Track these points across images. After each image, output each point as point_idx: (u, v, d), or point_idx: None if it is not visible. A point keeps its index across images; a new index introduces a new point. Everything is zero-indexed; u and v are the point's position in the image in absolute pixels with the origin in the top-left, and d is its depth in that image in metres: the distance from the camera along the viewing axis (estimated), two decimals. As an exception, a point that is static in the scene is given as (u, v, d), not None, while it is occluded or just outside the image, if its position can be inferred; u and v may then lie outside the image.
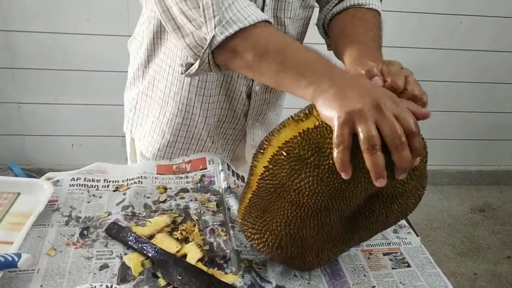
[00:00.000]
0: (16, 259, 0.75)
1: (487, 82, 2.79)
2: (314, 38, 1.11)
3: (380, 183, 0.64)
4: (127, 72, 1.22)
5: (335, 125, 0.64)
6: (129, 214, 0.91)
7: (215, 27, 0.78)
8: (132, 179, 1.01)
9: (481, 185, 3.06)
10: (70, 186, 0.97)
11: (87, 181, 0.99)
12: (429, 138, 3.01)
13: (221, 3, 0.77)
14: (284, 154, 0.69)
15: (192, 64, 0.86)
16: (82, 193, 0.96)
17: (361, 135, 0.63)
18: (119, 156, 2.66)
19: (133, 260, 0.80)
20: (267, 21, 0.80)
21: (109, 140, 2.59)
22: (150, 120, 1.16)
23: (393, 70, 0.75)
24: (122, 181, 1.01)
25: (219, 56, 0.82)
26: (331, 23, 1.07)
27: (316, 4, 1.08)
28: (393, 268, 0.84)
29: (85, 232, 0.86)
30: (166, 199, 0.97)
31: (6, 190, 0.98)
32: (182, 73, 0.88)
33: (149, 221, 0.89)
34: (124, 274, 0.78)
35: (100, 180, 1.00)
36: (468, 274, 2.35)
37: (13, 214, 0.92)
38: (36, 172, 2.50)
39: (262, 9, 0.97)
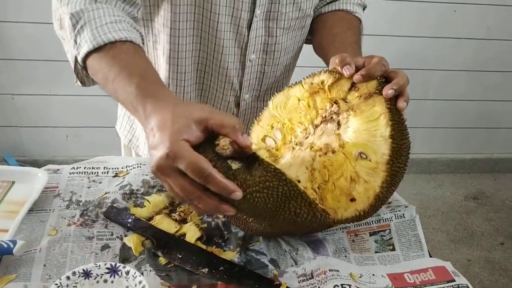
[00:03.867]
0: (12, 245, 0.76)
1: (481, 71, 2.80)
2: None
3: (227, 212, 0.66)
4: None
5: None
6: (127, 192, 0.92)
7: (73, 48, 0.79)
8: (131, 166, 1.02)
9: (475, 173, 3.08)
10: (70, 174, 0.99)
11: (87, 169, 1.01)
12: (424, 127, 3.04)
13: (76, 23, 0.78)
14: None
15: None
16: (82, 179, 0.97)
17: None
18: (114, 147, 2.65)
19: (134, 241, 0.81)
20: (118, 41, 0.77)
21: (104, 131, 2.58)
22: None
23: (374, 61, 0.79)
24: (122, 168, 1.02)
25: (87, 70, 0.81)
26: (317, 20, 1.09)
27: (312, 13, 1.07)
28: (376, 252, 0.85)
29: (85, 211, 0.88)
30: None
31: (1, 179, 0.99)
32: (75, 83, 0.88)
33: (147, 200, 0.90)
34: (126, 254, 0.79)
35: (99, 168, 1.01)
36: (462, 260, 2.37)
37: (7, 202, 0.93)
38: (31, 164, 2.50)
39: (251, 21, 0.96)
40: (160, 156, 0.62)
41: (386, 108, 0.77)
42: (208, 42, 0.97)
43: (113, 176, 0.99)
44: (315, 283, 0.75)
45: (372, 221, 0.89)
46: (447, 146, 3.02)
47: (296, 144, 0.86)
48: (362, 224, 0.89)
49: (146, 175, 0.97)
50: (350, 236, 0.88)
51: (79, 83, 0.86)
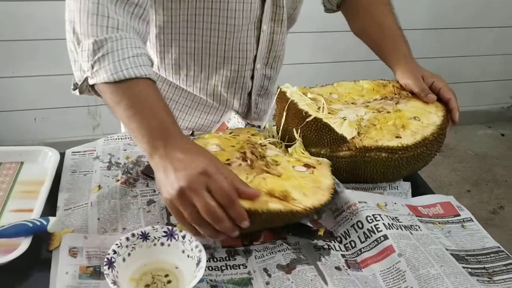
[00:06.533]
0: (45, 222, 0.76)
1: (438, 28, 2.89)
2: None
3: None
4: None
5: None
6: None
7: (87, 70, 0.78)
8: None
9: (438, 127, 3.22)
10: (105, 140, 1.03)
11: (120, 136, 1.05)
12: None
13: (97, 50, 0.76)
14: None
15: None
16: (117, 143, 1.02)
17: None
18: (85, 127, 2.61)
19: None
20: (138, 78, 0.77)
21: (73, 111, 2.53)
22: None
23: (440, 86, 1.00)
24: None
25: (94, 90, 0.81)
26: None
27: None
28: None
29: (126, 169, 0.93)
30: (195, 134, 1.05)
31: (9, 160, 0.97)
32: (72, 90, 0.86)
33: None
34: None
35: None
36: (434, 209, 2.51)
37: (22, 183, 0.93)
38: (-1, 150, 2.40)
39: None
40: (197, 172, 0.67)
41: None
42: (219, 26, 1.00)
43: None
44: (347, 215, 0.83)
45: (368, 187, 0.94)
46: (411, 103, 3.12)
47: (352, 103, 0.98)
48: (360, 188, 0.94)
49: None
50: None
51: (77, 92, 0.84)
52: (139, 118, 0.74)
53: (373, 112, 0.94)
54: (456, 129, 3.20)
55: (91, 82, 0.78)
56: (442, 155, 2.95)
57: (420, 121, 0.92)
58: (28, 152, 0.97)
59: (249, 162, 0.81)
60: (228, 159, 0.80)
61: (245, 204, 0.69)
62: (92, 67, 0.77)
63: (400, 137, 0.88)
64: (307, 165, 0.85)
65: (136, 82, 0.76)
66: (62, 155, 0.97)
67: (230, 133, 0.92)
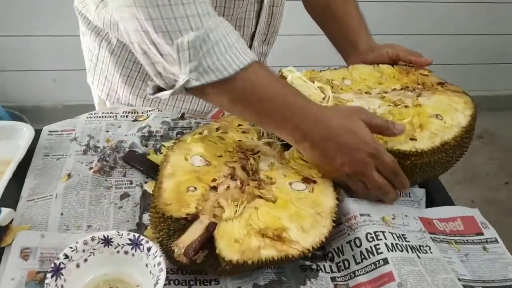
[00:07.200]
0: (-4, 214, 0.67)
1: (486, 2, 2.66)
2: None
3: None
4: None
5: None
6: (146, 135, 0.88)
7: (190, 72, 0.67)
8: (151, 110, 0.97)
9: (479, 110, 2.99)
10: (87, 118, 0.94)
11: (105, 113, 0.96)
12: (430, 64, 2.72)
13: (199, 47, 0.66)
14: None
15: (162, 89, 0.74)
16: (100, 123, 0.92)
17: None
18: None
19: (155, 186, 0.77)
20: (251, 63, 0.69)
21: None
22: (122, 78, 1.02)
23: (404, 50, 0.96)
24: (142, 112, 0.96)
25: (193, 91, 0.71)
26: None
27: None
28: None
29: (103, 156, 0.83)
30: (185, 117, 0.95)
31: (-20, 136, 0.89)
32: (150, 94, 0.76)
33: (163, 145, 0.86)
34: (147, 202, 0.76)
35: (118, 113, 0.96)
36: (466, 201, 2.33)
37: None
38: (18, 110, 2.36)
39: None
40: (379, 146, 0.71)
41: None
42: (218, 2, 0.88)
43: (133, 121, 0.94)
44: (344, 229, 0.71)
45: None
46: (453, 83, 2.92)
47: (365, 93, 0.87)
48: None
49: (166, 117, 0.93)
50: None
51: (164, 97, 0.73)
52: (277, 109, 0.70)
53: (389, 105, 0.83)
54: (496, 114, 2.97)
55: (195, 84, 0.67)
56: (480, 142, 2.75)
57: (442, 120, 0.79)
58: (1, 128, 0.88)
59: (239, 183, 0.69)
60: (214, 179, 0.69)
61: (234, 256, 0.60)
62: (197, 68, 0.67)
63: (416, 140, 0.76)
64: (306, 180, 0.73)
65: (251, 70, 0.69)
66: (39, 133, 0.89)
67: (217, 129, 0.80)
